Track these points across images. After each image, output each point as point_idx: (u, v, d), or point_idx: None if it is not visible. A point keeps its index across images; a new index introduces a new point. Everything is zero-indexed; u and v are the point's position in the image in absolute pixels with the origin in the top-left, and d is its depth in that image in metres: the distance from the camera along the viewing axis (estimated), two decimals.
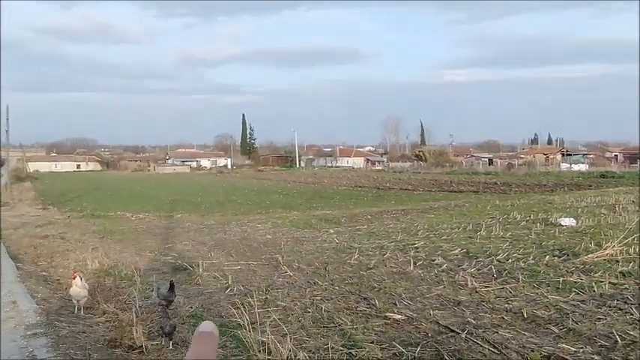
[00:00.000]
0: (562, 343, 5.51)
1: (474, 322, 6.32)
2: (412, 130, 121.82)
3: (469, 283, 8.22)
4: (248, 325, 5.73)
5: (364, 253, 11.45)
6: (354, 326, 6.27)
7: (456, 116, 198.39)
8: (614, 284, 8.04)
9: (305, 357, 4.97)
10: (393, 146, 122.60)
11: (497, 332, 5.91)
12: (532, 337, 5.72)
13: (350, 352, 5.39)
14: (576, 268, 9.22)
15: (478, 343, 5.55)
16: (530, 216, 16.99)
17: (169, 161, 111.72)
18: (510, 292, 7.70)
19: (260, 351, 5.16)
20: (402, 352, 5.35)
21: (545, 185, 39.75)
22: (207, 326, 1.04)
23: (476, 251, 11.01)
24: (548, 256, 10.14)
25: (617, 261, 9.73)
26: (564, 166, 65.75)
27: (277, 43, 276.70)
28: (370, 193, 39.42)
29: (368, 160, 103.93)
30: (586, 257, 9.98)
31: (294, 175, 67.93)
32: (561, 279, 8.29)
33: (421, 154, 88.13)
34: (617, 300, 7.16)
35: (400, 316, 6.62)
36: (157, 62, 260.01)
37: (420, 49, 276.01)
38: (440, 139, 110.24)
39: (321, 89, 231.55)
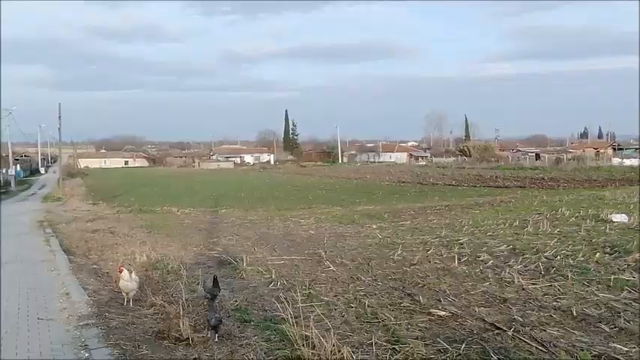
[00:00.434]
0: (613, 342, 5.35)
1: (521, 319, 6.19)
2: (456, 124, 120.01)
3: (516, 280, 8.07)
4: (292, 319, 5.77)
5: (408, 248, 11.38)
6: (398, 322, 6.23)
7: (502, 110, 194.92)
8: None
9: (349, 352, 4.97)
10: (437, 141, 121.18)
11: (545, 330, 5.78)
12: (582, 336, 5.57)
13: (394, 348, 5.36)
14: (628, 265, 8.94)
15: (525, 341, 5.44)
16: (579, 212, 16.52)
17: (214, 157, 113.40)
18: (559, 290, 7.52)
19: (304, 345, 5.19)
20: (447, 348, 5.29)
21: (595, 180, 38.55)
22: None
23: (522, 248, 10.79)
24: (598, 253, 9.86)
25: None
26: (616, 160, 63.57)
27: (319, 39, 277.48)
28: (413, 189, 39.07)
29: (411, 155, 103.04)
30: (638, 255, 9.65)
31: (337, 171, 67.91)
32: (612, 277, 8.05)
33: (465, 148, 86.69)
34: None
35: (444, 313, 6.55)
36: (200, 60, 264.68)
37: (465, 42, 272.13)
38: (485, 134, 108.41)
39: (364, 85, 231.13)
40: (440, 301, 7.17)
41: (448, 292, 7.65)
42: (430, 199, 28.47)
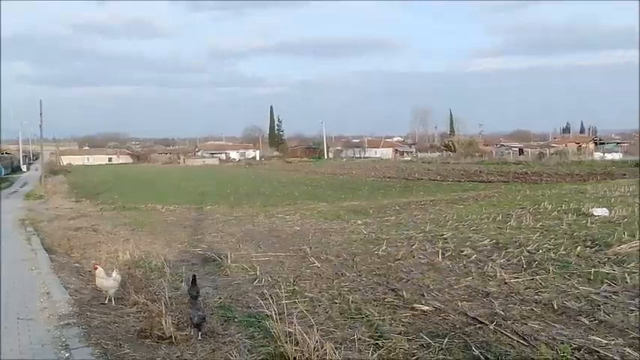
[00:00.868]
0: (593, 335, 5.42)
1: (503, 313, 6.24)
2: (441, 120, 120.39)
3: (498, 274, 8.13)
4: (275, 315, 5.76)
5: (392, 244, 11.41)
6: (382, 317, 6.25)
7: (486, 105, 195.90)
8: None
9: (331, 348, 4.98)
10: (422, 137, 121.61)
11: (526, 324, 5.83)
12: (562, 329, 5.63)
13: (377, 344, 5.38)
14: (608, 259, 9.05)
15: (507, 335, 5.49)
16: (561, 206, 16.69)
17: (199, 153, 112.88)
18: (540, 284, 7.59)
19: (287, 342, 5.18)
20: (430, 343, 5.31)
21: (577, 175, 38.97)
22: None
23: (505, 242, 10.88)
24: (579, 247, 9.97)
25: None
26: (597, 155, 64.37)
27: (305, 34, 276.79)
28: (399, 184, 39.22)
29: (396, 150, 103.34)
30: (619, 248, 9.78)
31: (323, 167, 67.96)
32: (593, 270, 8.14)
33: (450, 144, 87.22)
34: None
35: (428, 308, 6.58)
36: (186, 56, 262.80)
37: (452, 38, 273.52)
38: (469, 129, 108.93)
39: (350, 80, 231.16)
40: (423, 295, 7.21)
41: (432, 286, 7.69)
42: (415, 195, 28.59)
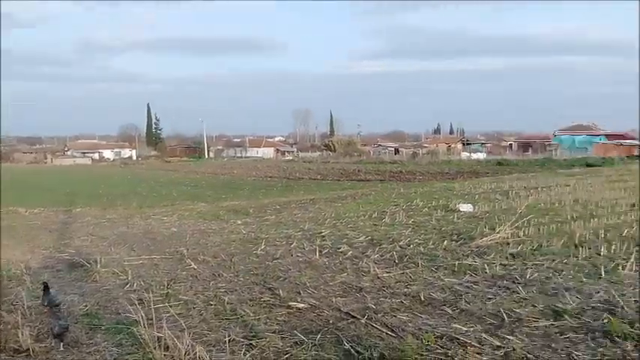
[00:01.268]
0: (455, 323, 5.76)
1: (375, 307, 6.46)
2: (322, 120, 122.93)
3: (372, 270, 8.40)
4: (145, 321, 5.52)
5: (271, 243, 11.41)
6: (257, 317, 6.22)
7: (365, 107, 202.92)
8: (505, 265, 8.52)
9: (203, 351, 4.87)
10: (303, 136, 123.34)
11: (395, 316, 6.08)
12: (428, 319, 5.93)
13: (250, 344, 5.34)
14: (471, 251, 9.69)
15: (377, 328, 5.68)
16: (432, 203, 17.64)
17: (68, 153, 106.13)
18: (410, 277, 7.95)
19: (156, 347, 4.99)
20: (303, 340, 5.37)
21: (446, 173, 41.47)
22: None
23: (380, 238, 11.28)
24: (446, 241, 10.58)
25: (508, 243, 10.32)
26: (464, 154, 68.89)
27: (185, 30, 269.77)
28: (280, 184, 39.44)
29: (278, 150, 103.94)
30: (480, 240, 10.51)
31: (203, 166, 66.69)
32: (457, 262, 8.67)
33: (330, 144, 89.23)
34: (506, 280, 7.59)
35: (303, 305, 6.65)
36: (54, 47, 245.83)
37: (334, 40, 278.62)
38: (349, 130, 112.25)
39: (230, 79, 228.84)
40: (300, 293, 7.27)
41: (308, 284, 7.78)
42: (296, 194, 28.87)
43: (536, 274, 7.82)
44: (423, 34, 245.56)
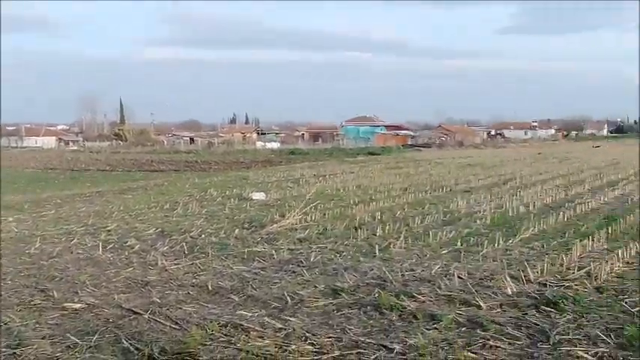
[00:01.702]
0: (240, 310, 5.81)
1: (160, 301, 6.24)
2: (111, 108, 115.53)
3: (159, 263, 8.13)
4: None
5: (48, 240, 10.40)
6: (25, 323, 5.60)
7: (158, 95, 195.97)
8: (292, 250, 8.86)
9: None
10: (90, 125, 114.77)
11: (181, 308, 5.93)
12: (214, 308, 5.90)
13: (14, 353, 4.79)
14: (262, 238, 9.91)
15: (160, 322, 5.49)
16: (225, 192, 17.70)
17: None
18: (199, 267, 7.84)
19: None
20: (77, 342, 4.96)
21: (242, 162, 42.00)
22: None
23: (171, 230, 10.97)
24: (238, 229, 10.68)
25: (296, 229, 10.76)
26: (259, 144, 70.43)
27: None
28: (62, 175, 36.35)
29: (61, 139, 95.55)
30: (271, 227, 10.81)
31: None
32: (247, 249, 8.80)
33: (121, 132, 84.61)
34: (292, 264, 7.90)
35: (80, 305, 6.16)
36: None
37: (121, 23, 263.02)
38: (141, 118, 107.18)
39: (5, 60, 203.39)
40: (77, 293, 6.72)
41: (88, 282, 7.23)
42: (81, 186, 26.86)
43: (319, 257, 8.26)
44: (216, 24, 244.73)
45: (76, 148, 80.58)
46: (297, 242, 9.54)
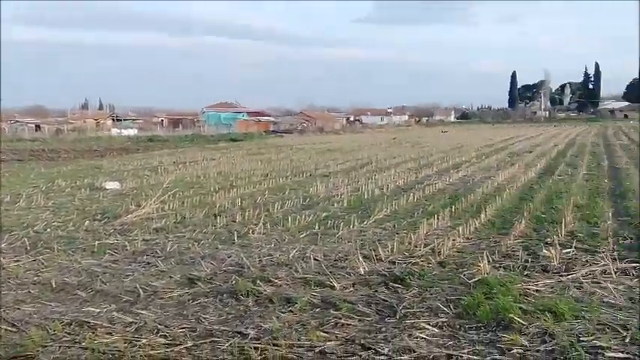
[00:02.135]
0: (87, 306, 5.48)
1: None
2: None
3: None
4: None
5: None
6: None
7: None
8: (147, 240, 8.53)
9: None
10: None
11: (19, 308, 5.46)
12: (58, 306, 5.51)
13: None
14: (115, 229, 9.43)
15: None
16: (76, 182, 16.61)
17: None
18: (43, 264, 7.27)
19: None
20: None
21: (95, 151, 39.48)
22: None
23: (11, 224, 10.05)
24: (88, 221, 10.07)
25: (153, 218, 10.39)
26: (115, 131, 66.82)
27: None
28: None
29: None
30: (125, 218, 10.32)
31: None
32: (98, 242, 8.32)
33: None
34: (147, 255, 7.61)
35: None
36: None
37: None
38: None
39: None
40: None
41: None
42: None
43: (176, 246, 8.04)
44: (64, 3, 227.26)
45: None
46: (153, 232, 9.20)
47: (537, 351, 4.26)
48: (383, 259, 7.09)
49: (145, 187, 15.22)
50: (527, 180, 15.15)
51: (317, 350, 4.39)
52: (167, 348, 4.47)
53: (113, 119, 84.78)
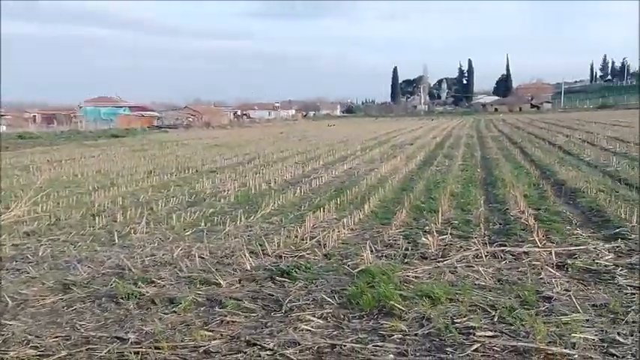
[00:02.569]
0: None
1: None
2: None
3: None
4: None
5: None
6: None
7: None
8: (17, 245, 7.92)
9: None
10: None
11: None
12: None
13: None
14: None
15: None
16: None
17: None
18: None
19: None
20: None
21: None
22: None
23: None
24: None
25: (24, 221, 9.68)
26: None
27: None
28: None
29: None
30: None
31: None
32: None
33: None
34: (17, 261, 7.07)
35: None
36: None
37: None
38: None
39: None
40: None
41: None
42: None
43: (49, 250, 7.53)
44: None
45: None
46: (23, 236, 8.56)
47: (416, 335, 4.46)
48: (270, 253, 7.09)
49: (16, 187, 14.12)
50: (408, 171, 15.83)
51: (201, 350, 4.30)
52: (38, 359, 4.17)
53: None
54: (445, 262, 6.46)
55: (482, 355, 4.08)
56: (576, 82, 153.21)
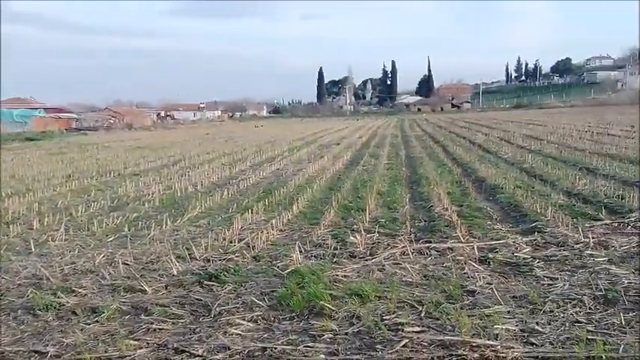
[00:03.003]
0: None
1: None
2: None
3: None
4: None
5: None
6: None
7: None
8: None
9: None
10: None
11: None
12: None
13: None
14: None
15: None
16: None
17: None
18: None
19: None
20: None
21: None
22: None
23: None
24: None
25: None
26: None
27: None
28: None
29: None
30: None
31: None
32: None
33: None
34: None
35: None
36: None
37: None
38: None
39: None
40: None
41: None
42: None
43: None
44: None
45: None
46: None
47: (346, 334, 4.49)
48: (197, 257, 6.95)
49: None
50: (335, 171, 15.97)
51: None
52: None
53: None
54: (373, 261, 6.55)
55: (410, 351, 4.15)
56: (493, 82, 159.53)
